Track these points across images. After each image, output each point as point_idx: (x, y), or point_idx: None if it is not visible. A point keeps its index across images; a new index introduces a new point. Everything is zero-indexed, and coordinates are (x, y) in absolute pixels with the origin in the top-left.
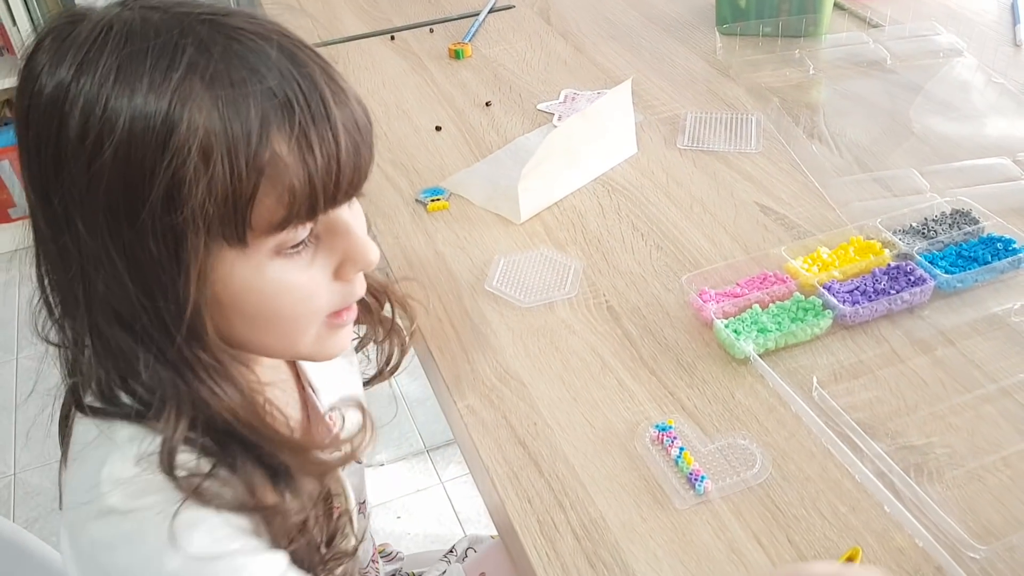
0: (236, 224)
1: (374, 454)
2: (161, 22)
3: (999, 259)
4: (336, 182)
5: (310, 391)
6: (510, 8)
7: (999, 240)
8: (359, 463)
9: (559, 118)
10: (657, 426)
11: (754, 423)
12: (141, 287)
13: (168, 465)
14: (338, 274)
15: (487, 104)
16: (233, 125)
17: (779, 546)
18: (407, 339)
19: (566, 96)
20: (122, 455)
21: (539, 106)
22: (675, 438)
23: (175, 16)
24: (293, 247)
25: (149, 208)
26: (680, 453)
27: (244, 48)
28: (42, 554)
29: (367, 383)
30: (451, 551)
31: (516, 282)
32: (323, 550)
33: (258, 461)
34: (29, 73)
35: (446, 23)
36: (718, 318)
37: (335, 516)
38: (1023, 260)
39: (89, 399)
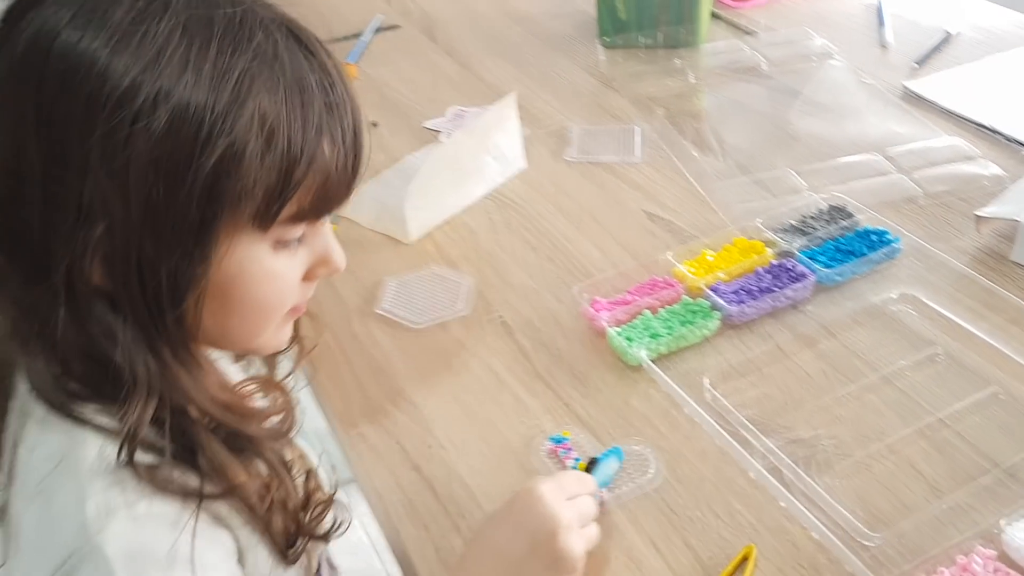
0: (271, 208)
1: None
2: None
3: (874, 251)
4: (350, 182)
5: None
6: (395, 28)
7: (874, 232)
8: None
9: (447, 135)
10: (552, 438)
11: (648, 428)
12: (152, 242)
13: (129, 455)
14: (310, 273)
15: (373, 124)
16: (295, 114)
17: (676, 550)
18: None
19: (453, 113)
20: (103, 484)
21: (426, 124)
22: (570, 449)
23: None
24: (288, 241)
25: (196, 169)
26: (576, 464)
27: (294, 44)
28: None
29: None
30: None
31: (407, 303)
32: (301, 513)
33: (222, 441)
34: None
35: (331, 43)
36: (611, 326)
37: (302, 477)
38: (897, 250)
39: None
